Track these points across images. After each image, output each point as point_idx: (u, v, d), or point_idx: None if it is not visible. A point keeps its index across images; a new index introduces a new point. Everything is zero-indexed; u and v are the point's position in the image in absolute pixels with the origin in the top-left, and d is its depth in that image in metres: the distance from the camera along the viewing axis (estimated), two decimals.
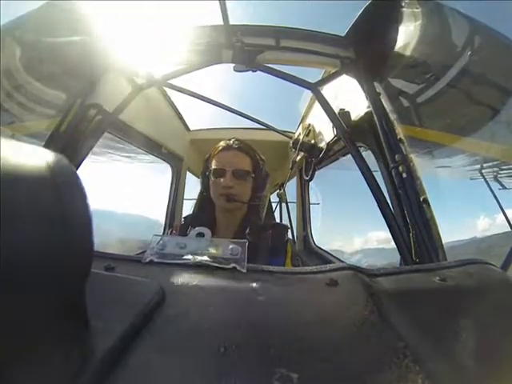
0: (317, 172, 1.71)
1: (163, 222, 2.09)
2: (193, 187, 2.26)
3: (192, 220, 0.94)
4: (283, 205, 2.50)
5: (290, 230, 0.95)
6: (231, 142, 0.89)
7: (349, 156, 1.15)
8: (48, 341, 0.22)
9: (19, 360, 0.20)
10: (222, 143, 0.90)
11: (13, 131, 1.08)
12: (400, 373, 0.22)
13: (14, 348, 0.20)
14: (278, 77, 1.06)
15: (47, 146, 0.96)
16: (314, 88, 1.04)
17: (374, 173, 0.91)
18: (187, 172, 2.26)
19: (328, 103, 1.00)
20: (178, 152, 2.05)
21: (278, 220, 2.52)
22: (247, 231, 0.84)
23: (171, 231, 0.95)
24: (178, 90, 1.62)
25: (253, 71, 1.08)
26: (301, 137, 1.68)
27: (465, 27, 0.77)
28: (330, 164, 1.73)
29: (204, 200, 0.95)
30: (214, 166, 0.87)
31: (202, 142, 2.23)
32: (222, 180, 0.83)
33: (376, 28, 0.94)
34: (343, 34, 1.08)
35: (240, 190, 0.84)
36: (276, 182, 2.17)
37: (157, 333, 0.26)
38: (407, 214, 0.79)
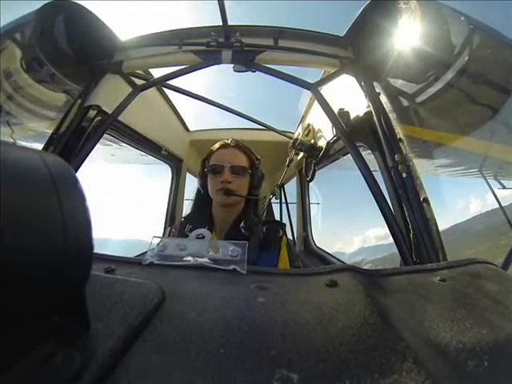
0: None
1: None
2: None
3: (189, 218, 0.97)
4: (283, 205, 2.50)
5: (287, 228, 0.98)
6: (228, 141, 0.93)
7: (348, 155, 1.15)
8: (49, 342, 0.22)
9: (20, 360, 0.20)
10: (220, 142, 0.94)
11: (12, 132, 1.08)
12: (401, 373, 0.22)
13: (15, 348, 0.20)
14: (277, 77, 1.06)
15: (46, 147, 0.96)
16: (314, 88, 1.04)
17: (373, 173, 0.91)
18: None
19: (327, 103, 0.99)
20: (177, 153, 2.04)
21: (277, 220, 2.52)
22: (241, 225, 0.86)
23: (170, 228, 0.97)
24: (178, 91, 1.62)
25: (252, 71, 1.08)
26: (300, 137, 1.68)
27: (464, 27, 0.77)
28: (330, 164, 1.73)
29: (201, 198, 0.97)
30: (212, 163, 0.90)
31: (202, 143, 2.23)
32: (220, 176, 0.86)
33: (375, 28, 0.94)
34: (342, 34, 1.08)
35: (237, 185, 0.87)
36: (277, 182, 2.18)
37: (157, 334, 0.26)
38: (407, 213, 0.79)
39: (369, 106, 0.98)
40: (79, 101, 1.07)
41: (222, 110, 1.79)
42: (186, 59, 1.09)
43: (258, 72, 1.08)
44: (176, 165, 2.14)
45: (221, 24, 0.99)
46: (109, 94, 1.12)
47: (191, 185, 2.26)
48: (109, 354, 0.22)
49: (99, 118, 1.08)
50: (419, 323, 0.29)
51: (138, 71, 1.27)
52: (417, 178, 0.81)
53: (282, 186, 2.37)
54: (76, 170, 0.89)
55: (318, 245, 2.08)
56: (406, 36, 0.88)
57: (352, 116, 1.08)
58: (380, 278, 0.39)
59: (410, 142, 0.89)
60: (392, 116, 0.94)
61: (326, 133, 1.43)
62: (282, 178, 1.85)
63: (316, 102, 1.47)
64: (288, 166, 1.85)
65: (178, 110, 2.02)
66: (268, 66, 1.07)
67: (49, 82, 1.05)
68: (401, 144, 0.87)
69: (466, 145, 0.95)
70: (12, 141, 1.08)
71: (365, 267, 0.42)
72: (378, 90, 1.00)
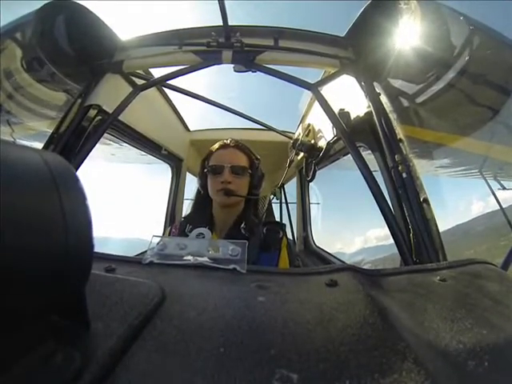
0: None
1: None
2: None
3: (190, 218, 0.96)
4: (283, 205, 2.50)
5: (287, 229, 0.97)
6: (228, 141, 0.93)
7: (349, 156, 1.16)
8: (49, 342, 0.22)
9: (20, 360, 0.20)
10: (219, 142, 0.94)
11: (12, 132, 1.08)
12: (401, 373, 0.22)
13: (15, 348, 0.20)
14: (277, 77, 1.06)
15: (46, 146, 0.96)
16: (314, 88, 1.04)
17: (374, 173, 0.91)
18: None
19: (328, 103, 1.00)
20: (177, 152, 2.04)
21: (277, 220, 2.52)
22: (242, 226, 0.86)
23: (171, 228, 0.97)
24: (178, 91, 1.62)
25: (252, 72, 1.08)
26: (300, 137, 1.68)
27: (464, 27, 0.77)
28: (331, 164, 1.73)
29: (201, 198, 0.97)
30: (212, 163, 0.90)
31: (202, 143, 2.23)
32: (220, 176, 0.86)
33: (375, 28, 0.94)
34: (343, 35, 1.08)
35: (238, 185, 0.87)
36: (277, 182, 2.18)
37: (157, 333, 0.26)
38: (407, 214, 0.79)
39: (369, 107, 0.98)
40: (79, 100, 1.07)
41: (223, 110, 1.79)
42: (187, 59, 1.09)
43: (258, 72, 1.08)
44: (176, 164, 2.14)
45: (221, 24, 0.99)
46: (109, 93, 1.12)
47: (191, 184, 2.26)
48: (109, 353, 0.22)
49: (99, 117, 1.08)
50: (419, 323, 0.29)
51: (138, 71, 1.27)
52: (417, 178, 0.81)
53: (282, 186, 2.38)
54: (76, 169, 0.89)
55: (317, 245, 2.08)
56: (407, 36, 0.88)
57: (352, 116, 1.08)
58: (380, 278, 0.39)
59: (411, 142, 0.89)
60: (392, 116, 0.94)
61: (326, 133, 1.43)
62: (282, 178, 1.85)
63: (316, 103, 1.47)
64: (289, 166, 1.86)
65: (178, 110, 2.02)
66: (268, 67, 1.07)
67: (49, 82, 1.05)
68: (401, 144, 0.87)
69: (466, 145, 0.95)
70: (12, 140, 1.08)
71: (365, 267, 0.42)
72: (378, 91, 1.00)
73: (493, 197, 1.10)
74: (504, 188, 1.07)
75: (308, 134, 1.66)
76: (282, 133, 2.13)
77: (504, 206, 1.11)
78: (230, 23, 0.99)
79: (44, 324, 0.22)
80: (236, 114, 1.82)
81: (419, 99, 0.94)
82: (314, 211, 2.25)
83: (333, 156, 1.57)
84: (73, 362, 0.21)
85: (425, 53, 0.85)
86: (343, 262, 1.70)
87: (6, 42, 0.90)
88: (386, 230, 0.77)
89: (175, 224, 0.98)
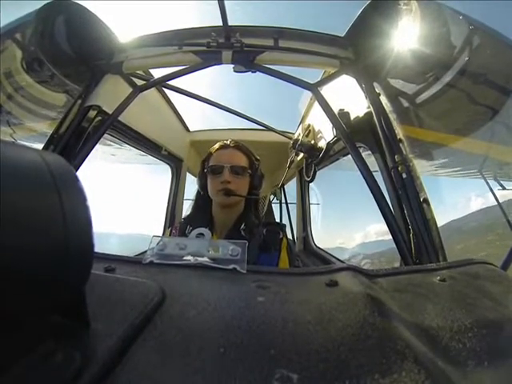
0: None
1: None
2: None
3: (190, 219, 0.96)
4: (283, 206, 2.50)
5: (287, 229, 0.97)
6: (228, 141, 0.93)
7: (349, 156, 1.16)
8: (49, 342, 0.22)
9: (20, 360, 0.20)
10: (219, 143, 0.94)
11: (13, 132, 1.08)
12: (400, 373, 0.22)
13: (15, 348, 0.20)
14: (277, 77, 1.06)
15: (46, 147, 0.96)
16: (314, 88, 1.04)
17: (374, 173, 0.91)
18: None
19: (328, 104, 1.00)
20: (177, 153, 2.04)
21: (277, 221, 2.53)
22: (242, 227, 0.86)
23: (171, 229, 0.97)
24: (178, 91, 1.62)
25: (252, 72, 1.08)
26: (300, 137, 1.69)
27: (464, 27, 0.77)
28: (330, 165, 1.73)
29: (201, 199, 0.97)
30: (212, 163, 0.90)
31: (202, 143, 2.23)
32: (220, 176, 0.86)
33: (375, 28, 0.94)
34: (342, 35, 1.08)
35: (237, 185, 0.87)
36: (276, 182, 2.18)
37: (157, 334, 0.26)
38: (407, 214, 0.79)
39: (369, 107, 0.98)
40: (79, 101, 1.07)
41: (223, 111, 1.79)
42: (186, 59, 1.10)
43: (258, 72, 1.08)
44: (176, 165, 2.14)
45: (221, 24, 0.99)
46: (109, 94, 1.12)
47: (191, 185, 2.26)
48: (109, 353, 0.22)
49: (99, 118, 1.08)
50: (419, 323, 0.29)
51: (138, 71, 1.27)
52: (417, 178, 0.81)
53: (282, 187, 2.38)
54: (76, 170, 0.89)
55: (317, 245, 2.08)
56: (406, 36, 0.88)
57: (352, 116, 1.08)
58: (380, 278, 0.39)
59: (410, 142, 0.89)
60: (392, 116, 0.94)
61: (326, 133, 1.44)
62: (282, 178, 1.85)
63: (316, 103, 1.47)
64: (289, 166, 1.86)
65: (178, 110, 2.02)
66: (268, 67, 1.08)
67: (49, 82, 1.05)
68: (401, 144, 0.87)
69: (466, 145, 0.95)
70: (12, 140, 1.08)
71: (363, 262, 0.42)
72: (378, 91, 1.00)
73: (490, 195, 1.11)
74: (504, 188, 1.07)
75: (308, 134, 1.66)
76: (282, 133, 2.13)
77: (503, 206, 1.11)
78: (229, 23, 1.00)
79: (44, 324, 0.22)
80: (236, 114, 1.83)
81: (419, 99, 0.94)
82: (314, 211, 2.25)
83: (333, 156, 1.57)
84: (73, 361, 0.21)
85: (424, 53, 0.85)
86: (343, 262, 1.69)
87: (6, 42, 0.90)
88: (386, 229, 0.77)
89: (175, 225, 0.98)
